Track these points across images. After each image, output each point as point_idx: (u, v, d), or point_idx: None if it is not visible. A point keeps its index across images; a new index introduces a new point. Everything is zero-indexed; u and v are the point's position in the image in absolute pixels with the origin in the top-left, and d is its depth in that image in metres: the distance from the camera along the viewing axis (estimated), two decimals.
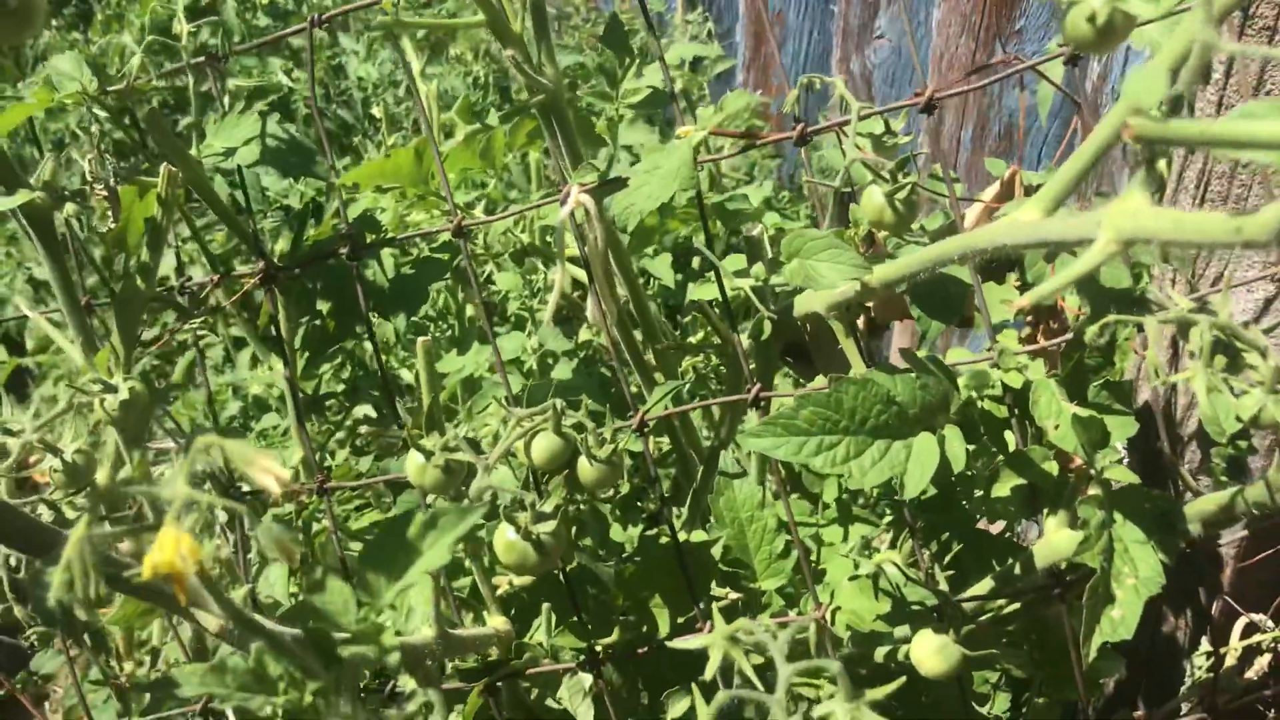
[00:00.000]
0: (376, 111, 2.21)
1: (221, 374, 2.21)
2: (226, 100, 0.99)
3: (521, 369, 1.70)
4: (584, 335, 1.69)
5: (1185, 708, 1.17)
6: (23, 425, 0.91)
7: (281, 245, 1.09)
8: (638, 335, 1.12)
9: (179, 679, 0.63)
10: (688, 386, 1.09)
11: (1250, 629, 1.11)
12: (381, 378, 0.98)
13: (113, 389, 0.91)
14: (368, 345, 1.77)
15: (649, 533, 1.26)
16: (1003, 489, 0.92)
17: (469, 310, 1.80)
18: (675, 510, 1.21)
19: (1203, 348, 0.68)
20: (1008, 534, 1.10)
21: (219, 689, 0.64)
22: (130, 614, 0.67)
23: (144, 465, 0.89)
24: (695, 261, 1.71)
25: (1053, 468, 0.90)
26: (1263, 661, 1.13)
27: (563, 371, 1.62)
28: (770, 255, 0.98)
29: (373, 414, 1.55)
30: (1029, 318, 1.09)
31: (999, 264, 1.03)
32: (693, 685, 0.66)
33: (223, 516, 1.16)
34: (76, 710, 2.06)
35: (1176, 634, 1.21)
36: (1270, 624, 1.10)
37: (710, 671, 0.70)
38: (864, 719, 0.67)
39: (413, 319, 1.62)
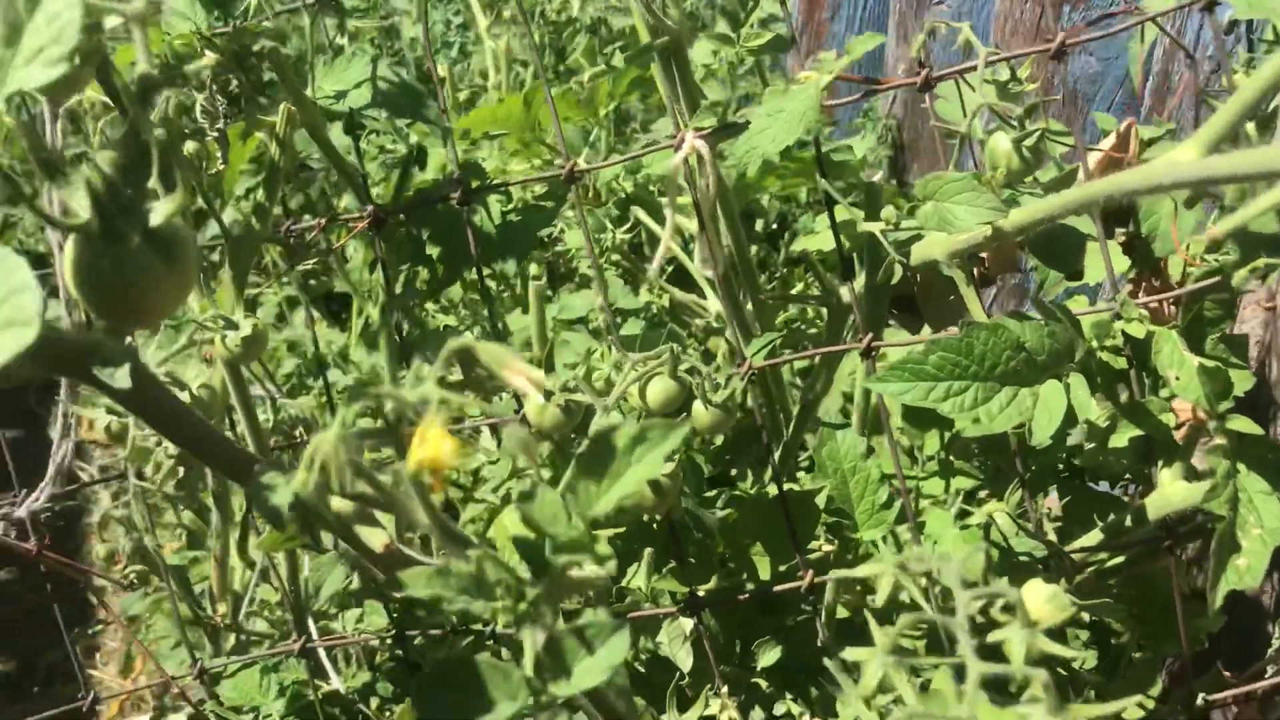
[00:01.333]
0: (442, 70, 2.20)
1: (279, 330, 2.22)
2: (345, 40, 0.99)
3: (588, 327, 1.70)
4: (644, 297, 1.69)
5: (1271, 670, 1.17)
6: (146, 360, 0.92)
7: (382, 191, 1.09)
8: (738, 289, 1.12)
9: (407, 581, 0.64)
10: (781, 339, 1.09)
11: None
12: (491, 321, 0.98)
13: (234, 325, 0.92)
14: (429, 305, 1.78)
15: (739, 488, 1.27)
16: (1119, 440, 0.92)
17: (533, 269, 1.80)
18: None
19: None
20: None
21: (444, 591, 0.65)
22: (278, 540, 0.68)
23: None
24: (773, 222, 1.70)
25: (1170, 419, 0.90)
26: None
27: (631, 330, 1.62)
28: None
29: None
30: (1131, 275, 1.08)
31: (1111, 218, 1.03)
32: (865, 612, 0.67)
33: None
34: (132, 660, 2.09)
35: (1262, 596, 1.21)
36: None
37: (881, 598, 0.71)
38: (1040, 644, 0.68)
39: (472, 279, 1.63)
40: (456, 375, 0.56)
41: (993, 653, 0.70)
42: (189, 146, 0.94)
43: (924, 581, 0.65)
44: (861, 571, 0.64)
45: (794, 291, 1.16)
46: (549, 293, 1.76)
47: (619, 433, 0.60)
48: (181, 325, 1.09)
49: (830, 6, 3.11)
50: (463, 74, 1.92)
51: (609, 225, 1.64)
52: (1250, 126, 0.81)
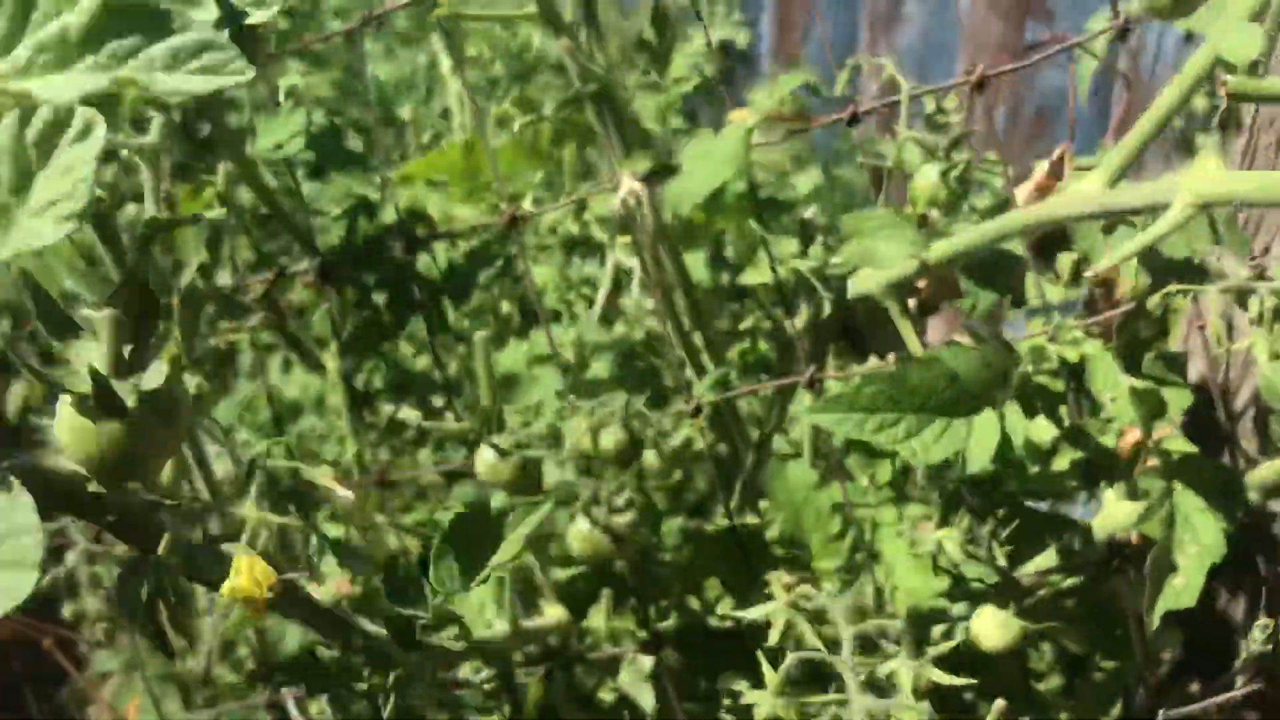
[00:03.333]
0: (406, 113, 2.21)
1: (252, 380, 2.23)
2: (281, 97, 1.01)
3: (558, 363, 1.71)
4: (619, 330, 1.70)
5: (1240, 681, 1.16)
6: None
7: (330, 241, 1.11)
8: (686, 324, 1.13)
9: (281, 672, 0.64)
10: (734, 374, 1.10)
11: None
12: (439, 369, 0.99)
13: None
14: (403, 345, 1.78)
15: (695, 523, 1.27)
16: (1061, 463, 0.92)
17: (504, 307, 1.81)
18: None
19: (1263, 314, 0.68)
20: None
21: (303, 681, 0.66)
22: (240, 622, 0.69)
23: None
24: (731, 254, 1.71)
25: (1110, 441, 0.90)
26: None
27: (600, 365, 1.63)
28: (820, 239, 0.99)
29: (415, 413, 1.57)
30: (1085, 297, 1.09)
31: (1049, 244, 1.03)
32: (758, 653, 0.67)
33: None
34: (123, 710, 2.09)
35: (1232, 607, 1.21)
36: None
37: (774, 637, 0.71)
38: (929, 674, 0.68)
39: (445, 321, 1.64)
40: None
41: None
42: (130, 211, 0.95)
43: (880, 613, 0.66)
44: (753, 613, 0.65)
45: (745, 326, 1.18)
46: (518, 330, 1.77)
47: (484, 513, 0.61)
48: None
49: (802, 29, 3.14)
50: (426, 116, 1.94)
51: (575, 259, 1.65)
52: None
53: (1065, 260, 1.05)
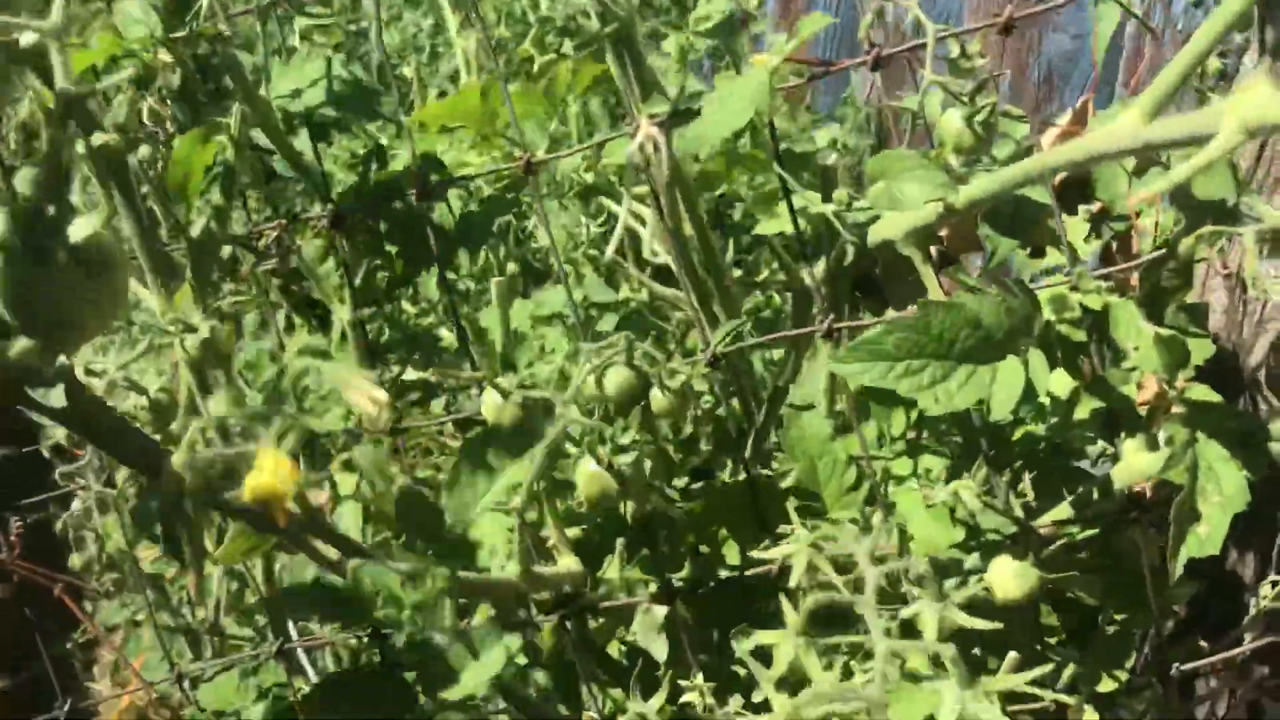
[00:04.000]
0: (407, 71, 2.19)
1: (257, 339, 2.22)
2: (298, 42, 0.99)
3: (564, 323, 1.70)
4: (625, 292, 1.69)
5: (1249, 637, 1.17)
6: (106, 365, 0.92)
7: (343, 188, 1.09)
8: (701, 275, 1.12)
9: (291, 599, 0.63)
10: (750, 325, 1.09)
11: None
12: (454, 317, 0.98)
13: (193, 328, 0.92)
14: (407, 306, 1.77)
15: (709, 477, 1.27)
16: (1082, 413, 0.92)
17: (510, 267, 1.80)
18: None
19: None
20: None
21: (322, 609, 0.65)
22: (238, 549, 0.68)
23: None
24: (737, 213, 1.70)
25: (1132, 391, 0.90)
26: None
27: (607, 325, 1.62)
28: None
29: (422, 370, 1.56)
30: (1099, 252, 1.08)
31: (1068, 195, 1.03)
32: (773, 601, 0.67)
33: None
34: (120, 672, 2.09)
35: (1242, 563, 1.21)
36: None
37: (795, 578, 0.71)
38: (952, 616, 0.68)
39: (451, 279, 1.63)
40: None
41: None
42: (143, 151, 0.94)
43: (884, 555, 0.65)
44: (775, 553, 0.64)
45: (761, 278, 1.17)
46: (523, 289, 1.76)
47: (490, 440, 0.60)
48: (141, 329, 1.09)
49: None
50: (431, 76, 1.92)
51: (583, 219, 1.64)
52: None
53: (1084, 213, 1.05)
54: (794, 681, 0.62)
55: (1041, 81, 2.27)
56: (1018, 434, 1.08)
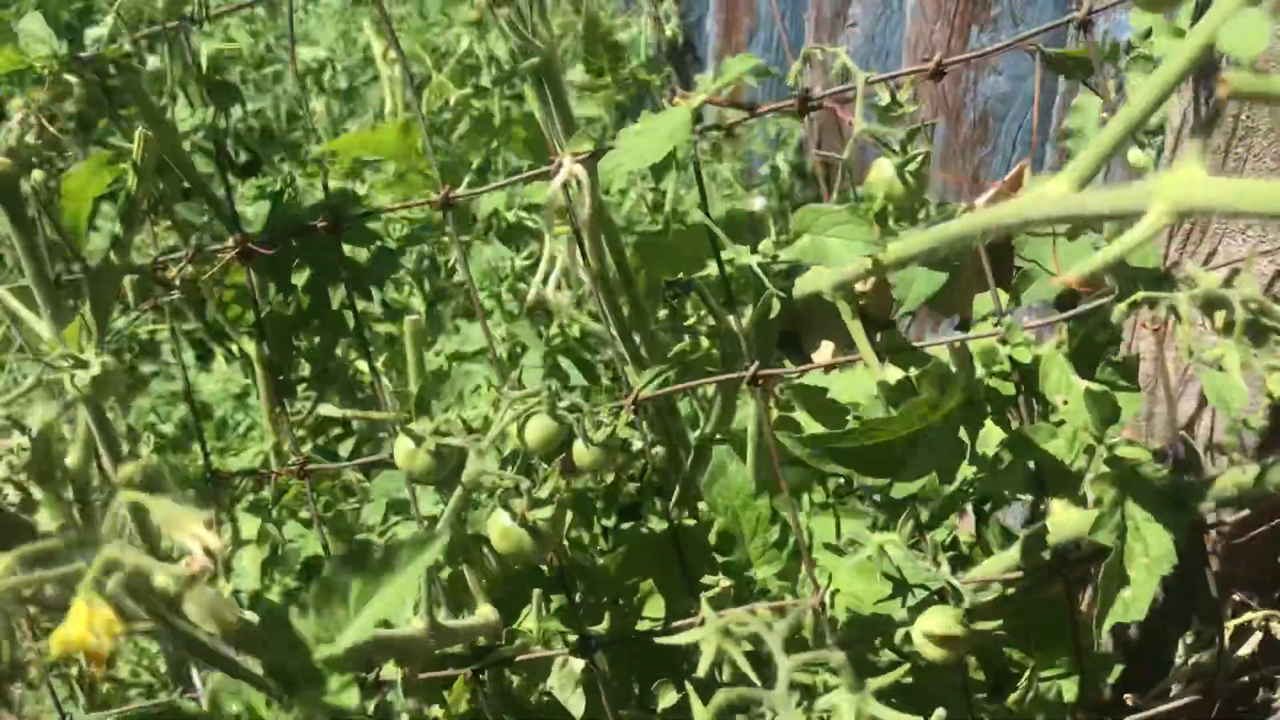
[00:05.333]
0: (317, 105, 2.14)
1: (170, 376, 2.15)
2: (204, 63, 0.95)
3: (489, 359, 1.66)
4: (554, 330, 1.66)
5: (1176, 689, 1.15)
6: None
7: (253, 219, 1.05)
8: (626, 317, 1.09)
9: None
10: (676, 370, 1.06)
11: (1242, 608, 1.10)
12: (365, 356, 0.94)
13: (84, 364, 0.87)
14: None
15: (632, 524, 1.24)
16: (1010, 469, 0.90)
17: (416, 303, 1.76)
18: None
19: (1236, 322, 0.66)
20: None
21: None
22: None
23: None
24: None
25: (1058, 447, 0.88)
26: (1254, 640, 1.12)
27: (533, 360, 1.58)
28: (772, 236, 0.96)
29: (336, 411, 1.51)
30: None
31: (993, 257, 1.01)
32: (686, 684, 0.63)
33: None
34: None
35: (1169, 615, 1.20)
36: (1256, 604, 1.09)
37: (704, 668, 0.67)
38: (870, 709, 0.65)
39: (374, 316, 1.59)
40: None
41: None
42: (36, 175, 0.89)
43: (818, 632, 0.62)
44: (684, 638, 0.60)
45: (689, 322, 1.14)
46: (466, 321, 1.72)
47: (370, 554, 0.56)
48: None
49: (747, 31, 3.12)
50: (358, 106, 1.88)
51: (507, 256, 1.60)
52: None
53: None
54: None
55: (976, 123, 2.28)
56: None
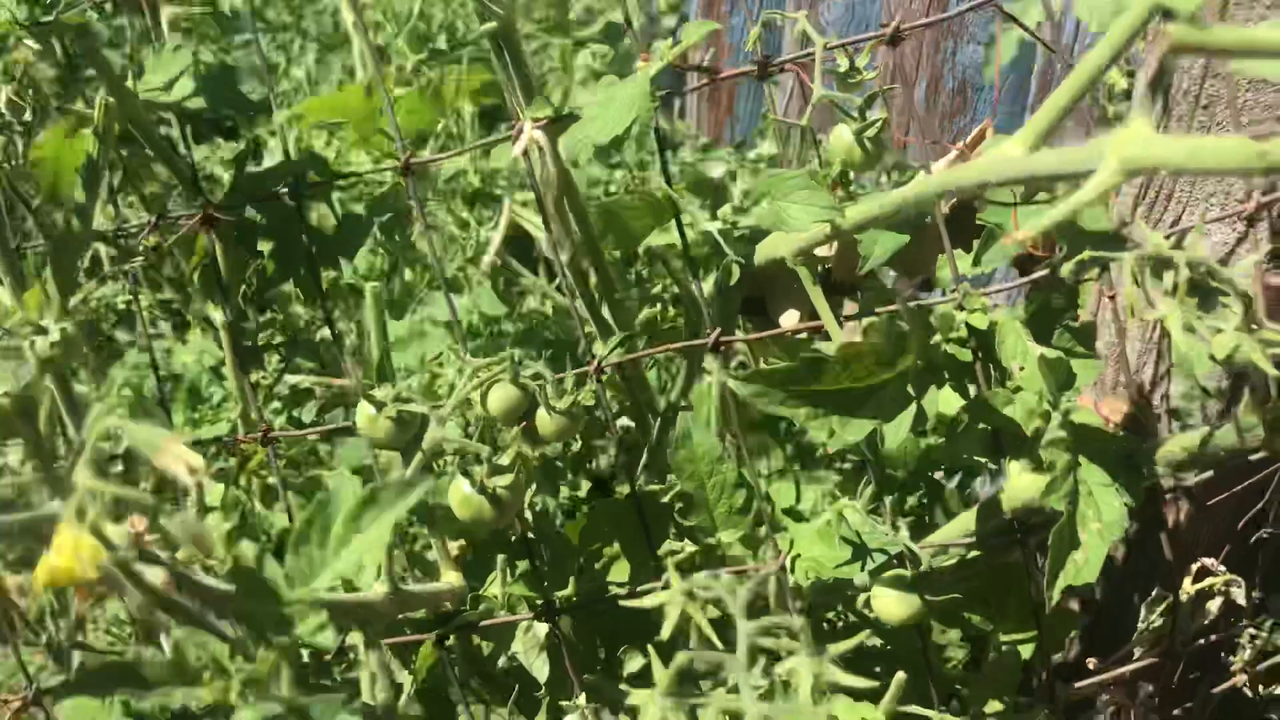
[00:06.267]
0: (298, 70, 2.14)
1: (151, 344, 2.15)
2: (165, 29, 0.95)
3: (464, 331, 1.66)
4: (531, 304, 1.66)
5: (1138, 653, 1.17)
6: None
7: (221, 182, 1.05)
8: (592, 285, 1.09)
9: (91, 682, 0.58)
10: (646, 339, 1.06)
11: (1203, 573, 1.11)
12: (328, 323, 0.94)
13: (43, 330, 0.87)
14: (299, 309, 1.72)
15: (596, 491, 1.24)
16: (968, 434, 0.90)
17: (407, 275, 1.75)
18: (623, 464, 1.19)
19: (1179, 284, 0.67)
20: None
21: (118, 689, 0.58)
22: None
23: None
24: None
25: (1015, 411, 0.88)
26: (1214, 605, 1.13)
27: (509, 334, 1.58)
28: (735, 202, 0.96)
29: (299, 378, 1.51)
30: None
31: (957, 220, 1.01)
32: (649, 647, 0.63)
33: None
34: None
35: (1132, 580, 1.21)
36: (1222, 568, 1.11)
37: (667, 631, 0.68)
38: (829, 675, 0.65)
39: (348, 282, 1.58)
40: None
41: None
42: None
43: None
44: (647, 601, 0.61)
45: (655, 290, 1.14)
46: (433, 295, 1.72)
47: (346, 498, 0.56)
48: None
49: (729, 2, 3.10)
50: (324, 75, 1.87)
51: (474, 223, 1.60)
52: None
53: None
54: None
55: (955, 91, 2.28)
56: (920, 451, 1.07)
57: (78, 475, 0.47)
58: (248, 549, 0.60)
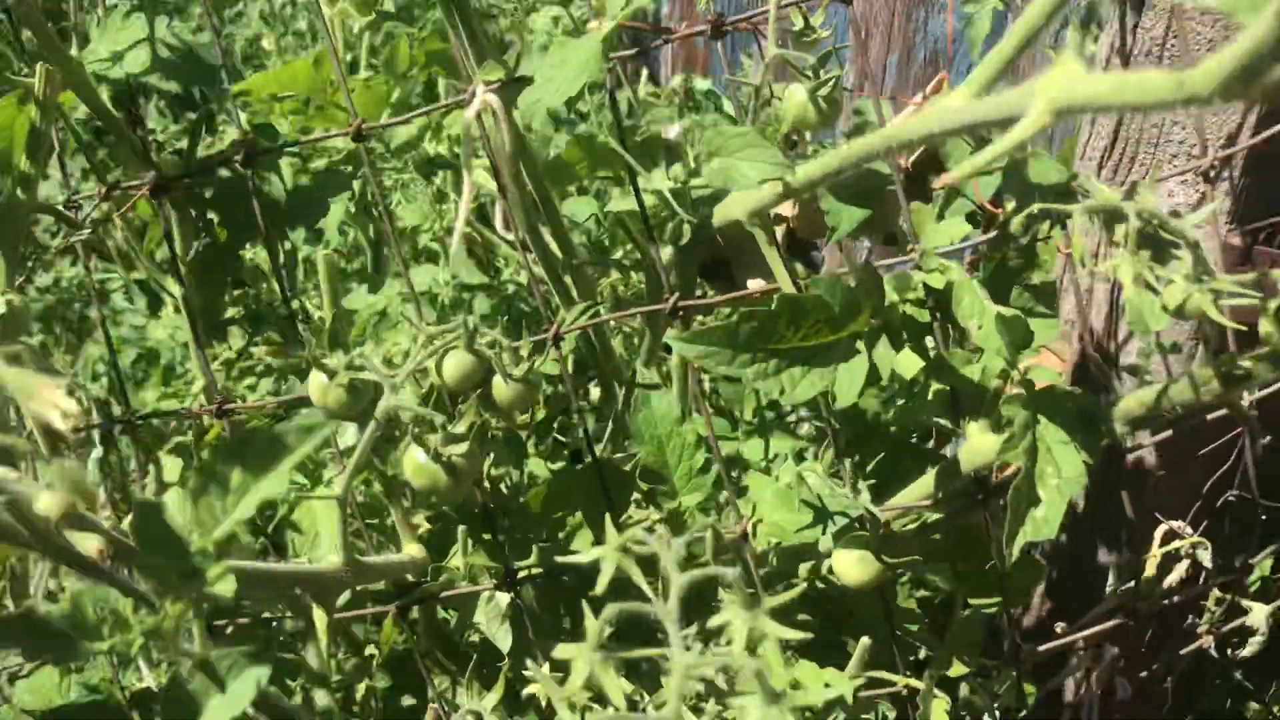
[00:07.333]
0: (267, 43, 2.11)
1: (119, 325, 2.13)
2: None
3: (435, 304, 1.65)
4: (507, 275, 1.65)
5: (1106, 615, 1.17)
6: None
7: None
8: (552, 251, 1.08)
9: None
10: (606, 306, 1.05)
11: (1170, 536, 1.11)
12: (283, 294, 0.93)
13: None
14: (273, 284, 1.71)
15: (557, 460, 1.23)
16: (927, 394, 0.90)
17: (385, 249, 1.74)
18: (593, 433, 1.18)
19: (1129, 235, 0.66)
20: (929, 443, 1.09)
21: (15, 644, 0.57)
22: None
23: None
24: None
25: (974, 371, 0.88)
26: (1181, 568, 1.13)
27: (480, 307, 1.57)
28: (690, 163, 0.95)
29: (253, 348, 1.50)
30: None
31: (923, 179, 1.01)
32: (583, 603, 0.63)
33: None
34: None
35: (1099, 544, 1.22)
36: (1189, 531, 1.11)
37: (601, 585, 0.67)
38: (763, 628, 0.64)
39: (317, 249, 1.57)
40: None
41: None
42: None
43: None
44: (582, 557, 0.60)
45: (615, 256, 1.13)
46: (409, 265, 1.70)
47: (247, 444, 0.55)
48: None
49: None
50: (301, 47, 1.85)
51: (451, 195, 1.59)
52: None
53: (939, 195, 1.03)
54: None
55: (927, 62, 2.27)
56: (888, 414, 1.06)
57: None
58: (147, 500, 0.59)
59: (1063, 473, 0.82)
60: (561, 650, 0.52)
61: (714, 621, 0.62)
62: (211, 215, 0.98)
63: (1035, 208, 0.72)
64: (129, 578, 0.55)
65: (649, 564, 0.66)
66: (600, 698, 0.61)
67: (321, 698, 0.71)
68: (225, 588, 0.51)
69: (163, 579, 0.52)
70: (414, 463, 0.86)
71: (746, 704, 0.50)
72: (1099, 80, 0.50)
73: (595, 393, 1.33)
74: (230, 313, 1.29)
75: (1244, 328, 0.73)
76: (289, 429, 0.56)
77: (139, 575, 0.54)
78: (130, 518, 0.53)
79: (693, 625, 0.57)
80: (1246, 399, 0.94)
